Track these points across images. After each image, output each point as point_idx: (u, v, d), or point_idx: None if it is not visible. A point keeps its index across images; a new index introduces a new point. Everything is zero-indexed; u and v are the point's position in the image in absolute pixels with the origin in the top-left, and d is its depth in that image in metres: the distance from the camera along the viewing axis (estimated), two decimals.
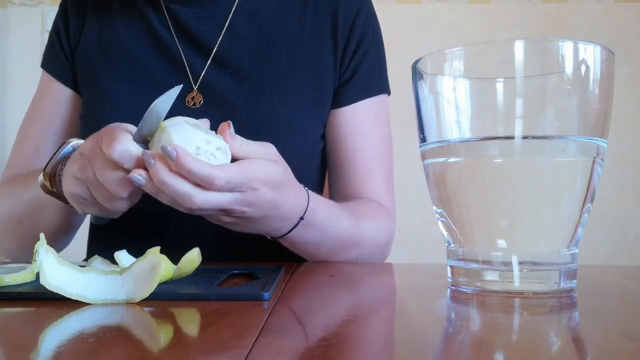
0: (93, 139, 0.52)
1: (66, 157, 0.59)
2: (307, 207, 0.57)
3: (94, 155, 0.51)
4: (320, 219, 0.60)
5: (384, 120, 0.79)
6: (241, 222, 0.53)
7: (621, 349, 0.28)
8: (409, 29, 1.91)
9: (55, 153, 0.59)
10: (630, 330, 0.32)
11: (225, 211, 0.50)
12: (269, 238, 0.61)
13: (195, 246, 0.46)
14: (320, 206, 0.61)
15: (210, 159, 0.47)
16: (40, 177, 0.59)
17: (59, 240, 0.73)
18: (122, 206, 0.53)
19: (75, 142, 0.59)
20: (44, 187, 0.59)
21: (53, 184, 0.59)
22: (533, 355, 0.27)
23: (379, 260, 0.74)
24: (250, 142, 0.51)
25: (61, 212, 0.65)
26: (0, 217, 0.72)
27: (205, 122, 0.53)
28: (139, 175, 0.47)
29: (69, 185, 0.54)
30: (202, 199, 0.47)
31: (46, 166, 0.59)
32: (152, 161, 0.46)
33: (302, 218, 0.57)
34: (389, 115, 0.81)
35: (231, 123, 0.50)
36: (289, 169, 0.55)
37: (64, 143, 0.59)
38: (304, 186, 0.59)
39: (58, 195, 0.59)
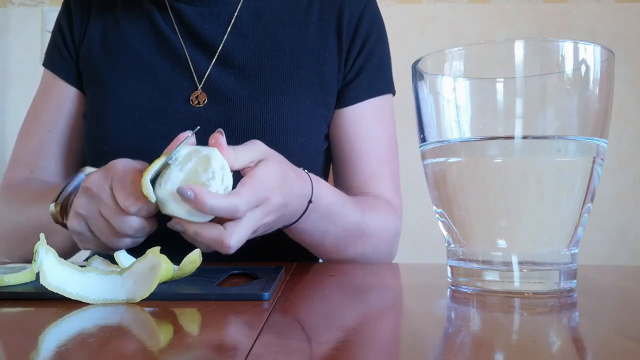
0: (102, 174, 0.51)
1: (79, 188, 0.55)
2: (312, 190, 0.58)
3: (101, 192, 0.50)
4: (325, 202, 0.60)
5: (389, 119, 0.79)
6: (264, 230, 0.54)
7: (621, 349, 0.28)
8: (409, 29, 1.90)
9: (68, 183, 0.56)
10: (630, 330, 0.32)
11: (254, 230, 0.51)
12: (281, 228, 0.60)
13: (196, 247, 0.46)
14: (325, 190, 0.61)
15: (220, 186, 0.47)
16: (52, 206, 0.56)
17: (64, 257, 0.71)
18: (125, 243, 0.52)
19: (89, 170, 0.56)
20: (54, 217, 0.56)
21: (64, 216, 0.56)
22: (533, 355, 0.27)
23: (385, 258, 0.74)
24: (238, 147, 0.51)
25: (70, 240, 0.61)
26: (6, 228, 0.70)
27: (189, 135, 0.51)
28: (179, 225, 0.49)
29: (70, 220, 0.53)
30: (236, 235, 0.48)
31: (58, 196, 0.56)
32: (180, 227, 0.48)
33: (310, 202, 0.58)
34: (393, 115, 0.80)
35: (223, 132, 0.50)
36: (282, 158, 0.55)
37: (78, 172, 0.57)
38: (305, 170, 0.59)
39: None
